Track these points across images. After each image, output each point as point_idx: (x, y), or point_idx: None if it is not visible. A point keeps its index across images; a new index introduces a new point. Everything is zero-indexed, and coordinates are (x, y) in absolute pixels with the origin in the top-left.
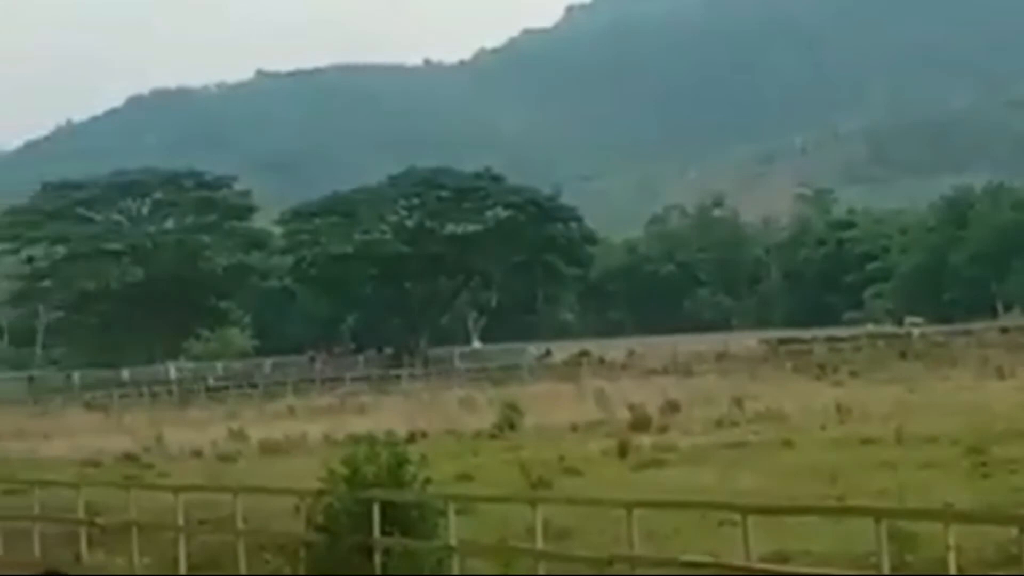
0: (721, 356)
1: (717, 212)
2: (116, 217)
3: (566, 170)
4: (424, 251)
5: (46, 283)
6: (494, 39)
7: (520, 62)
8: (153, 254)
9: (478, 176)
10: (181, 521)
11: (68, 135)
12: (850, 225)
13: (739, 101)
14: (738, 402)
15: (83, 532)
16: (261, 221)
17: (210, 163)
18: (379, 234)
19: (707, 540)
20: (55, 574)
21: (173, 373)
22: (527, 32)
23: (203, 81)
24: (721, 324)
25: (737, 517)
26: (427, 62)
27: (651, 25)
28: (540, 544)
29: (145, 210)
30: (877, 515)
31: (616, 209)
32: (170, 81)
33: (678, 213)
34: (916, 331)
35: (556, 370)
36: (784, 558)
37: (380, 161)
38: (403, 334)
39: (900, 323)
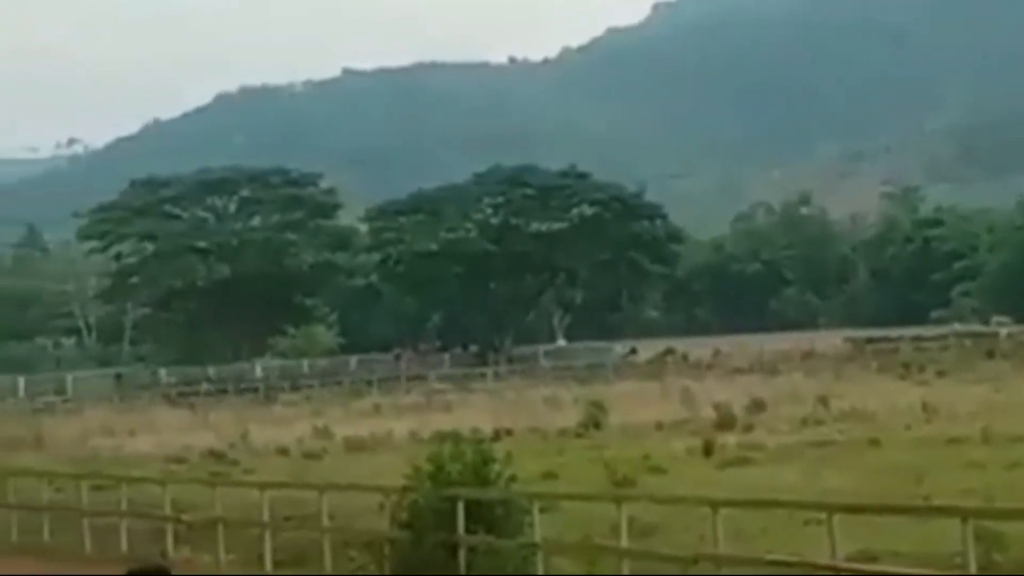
0: (807, 355)
1: (804, 210)
2: (203, 214)
3: (651, 168)
4: (509, 249)
5: (134, 280)
6: (579, 37)
7: (605, 60)
8: (239, 252)
9: (563, 174)
10: (266, 518)
11: (156, 133)
12: (937, 223)
13: (825, 99)
14: (824, 401)
15: (169, 528)
16: (347, 219)
17: (296, 161)
18: (464, 232)
19: (792, 539)
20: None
21: (259, 371)
22: (612, 30)
23: (289, 79)
24: (807, 323)
25: (823, 516)
26: (512, 60)
27: (737, 22)
28: (624, 542)
29: (232, 208)
30: (964, 515)
31: (701, 207)
32: (257, 79)
33: (764, 211)
34: (1003, 330)
35: (641, 369)
36: (870, 557)
37: (465, 159)
38: (488, 332)
39: (987, 322)
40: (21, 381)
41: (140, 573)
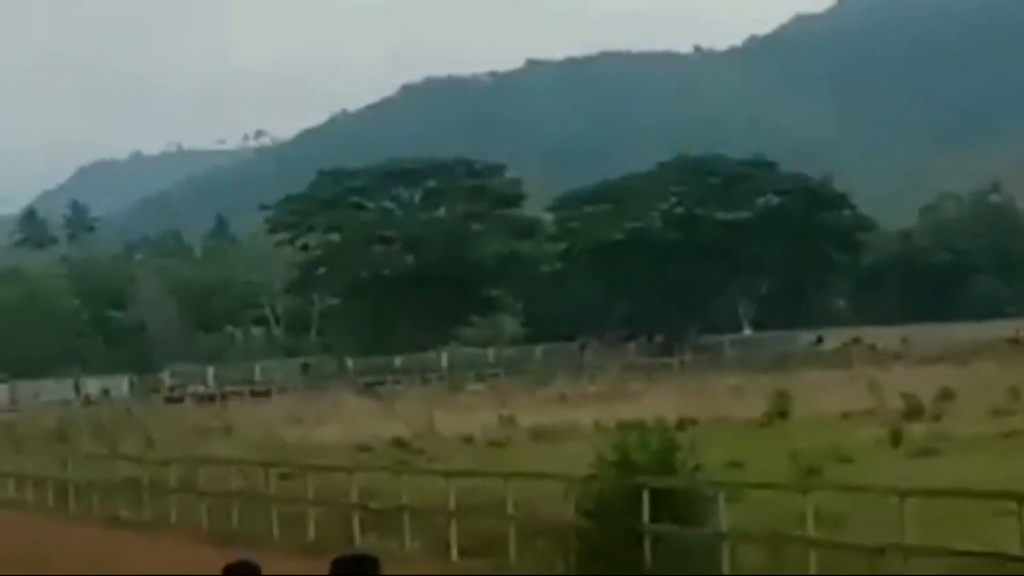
0: (996, 344)
1: (993, 199)
2: (388, 205)
3: (837, 157)
4: (694, 238)
5: (321, 271)
6: (765, 25)
7: (792, 49)
8: (424, 242)
9: (749, 163)
10: (452, 506)
11: (342, 124)
12: None
13: (1013, 87)
14: (1015, 391)
15: (356, 516)
16: (531, 209)
17: (481, 152)
18: (649, 221)
19: (982, 529)
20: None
21: (444, 360)
22: (799, 18)
23: (474, 70)
24: (997, 312)
25: (1013, 506)
26: (697, 49)
27: (925, 10)
28: (811, 532)
29: (417, 198)
30: None
31: (888, 196)
32: (442, 70)
33: (953, 200)
34: None
35: (827, 358)
36: None
37: (650, 149)
38: (673, 321)
39: None
40: (210, 371)
41: (345, 560)
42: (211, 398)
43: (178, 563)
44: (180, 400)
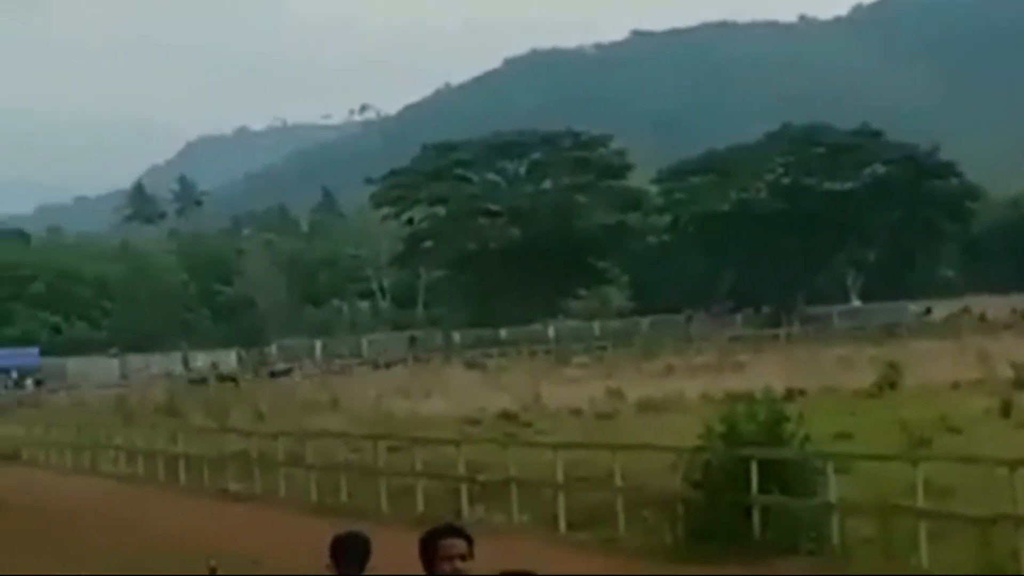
0: None
1: None
2: (494, 178)
3: (944, 126)
4: (801, 209)
5: (426, 244)
6: None
7: (898, 17)
8: (530, 214)
9: (855, 133)
10: (560, 478)
11: (447, 97)
12: None
13: None
14: None
15: (464, 488)
16: (637, 180)
17: (586, 123)
18: (755, 192)
19: None
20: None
21: (551, 332)
22: None
23: (579, 42)
24: None
25: None
26: (802, 18)
27: None
28: (920, 503)
29: (522, 170)
30: None
31: (996, 164)
32: (546, 42)
33: None
34: None
35: (936, 328)
36: None
37: (756, 119)
38: (780, 292)
39: None
40: (318, 344)
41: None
42: (319, 371)
43: (288, 535)
44: (287, 373)
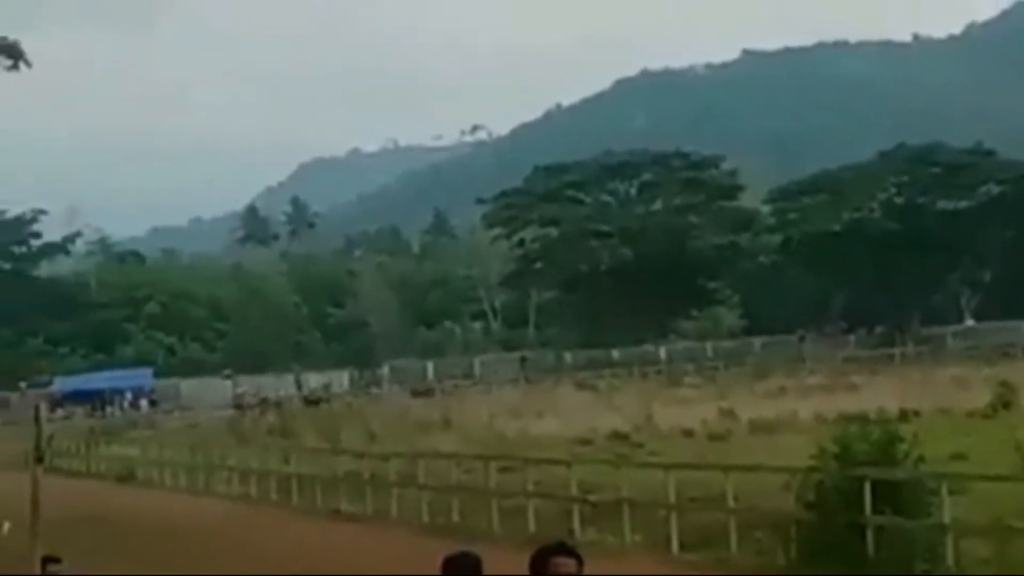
0: None
1: None
2: (605, 199)
3: None
4: (914, 228)
5: (538, 265)
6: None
7: (1012, 35)
8: (641, 235)
9: (969, 152)
10: (672, 499)
11: (557, 118)
12: None
13: None
14: None
15: (576, 509)
16: (749, 201)
17: (697, 143)
18: (868, 212)
19: None
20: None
21: (663, 353)
22: (1021, 3)
23: (689, 62)
24: None
25: None
26: (916, 37)
27: None
28: None
29: (633, 191)
30: None
31: None
32: (657, 62)
33: None
34: None
35: None
36: None
37: (869, 138)
38: (893, 312)
39: None
40: (430, 365)
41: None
42: (430, 392)
43: (400, 555)
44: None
